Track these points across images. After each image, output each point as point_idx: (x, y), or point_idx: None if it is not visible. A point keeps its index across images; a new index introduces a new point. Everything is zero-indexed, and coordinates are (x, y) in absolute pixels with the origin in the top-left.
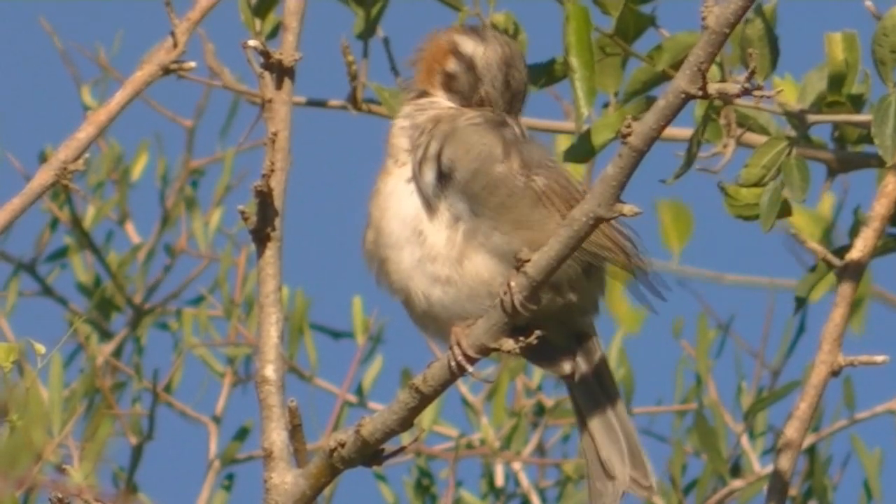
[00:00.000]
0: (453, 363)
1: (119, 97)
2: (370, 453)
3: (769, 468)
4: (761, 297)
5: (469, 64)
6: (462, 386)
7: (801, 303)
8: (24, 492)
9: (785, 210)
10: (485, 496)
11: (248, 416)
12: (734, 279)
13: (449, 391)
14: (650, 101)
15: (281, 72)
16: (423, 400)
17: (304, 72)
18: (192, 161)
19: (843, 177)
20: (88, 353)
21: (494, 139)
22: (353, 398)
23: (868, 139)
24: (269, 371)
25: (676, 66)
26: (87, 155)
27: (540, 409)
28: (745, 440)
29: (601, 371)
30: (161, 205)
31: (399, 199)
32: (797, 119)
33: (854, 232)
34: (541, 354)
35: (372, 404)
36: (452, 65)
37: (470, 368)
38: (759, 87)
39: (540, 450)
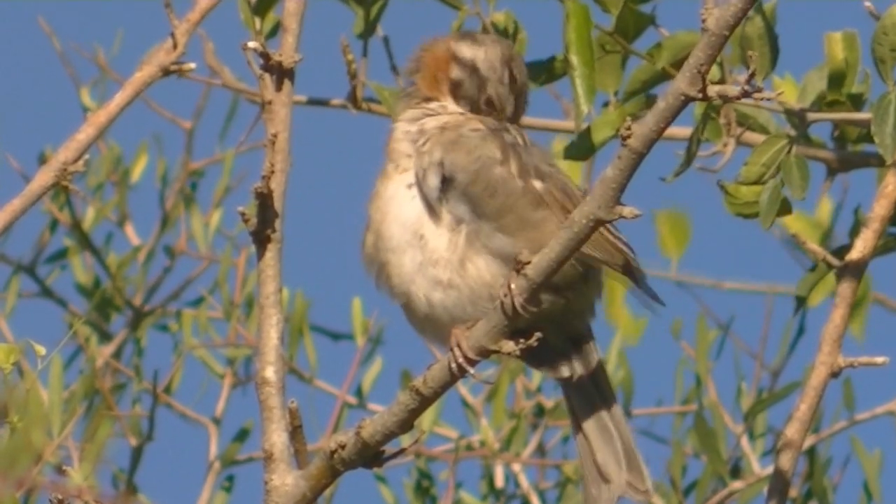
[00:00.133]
0: (453, 365)
1: (119, 98)
2: (370, 455)
3: (769, 469)
4: (761, 299)
5: (472, 68)
6: (462, 387)
7: (800, 303)
8: (24, 493)
9: (784, 208)
10: (485, 498)
11: (249, 418)
12: (733, 286)
13: (449, 393)
14: (650, 100)
15: (281, 73)
16: (424, 401)
17: (304, 71)
18: (192, 162)
19: (842, 176)
20: (88, 355)
21: (494, 144)
22: (353, 400)
23: (868, 138)
24: (270, 372)
25: (676, 64)
26: (86, 156)
27: (540, 411)
28: (744, 441)
29: (597, 374)
30: (161, 206)
31: (399, 203)
32: (797, 118)
33: (854, 232)
34: (537, 357)
35: (372, 406)
36: (456, 72)
37: (470, 370)
38: (760, 89)
39: (540, 451)
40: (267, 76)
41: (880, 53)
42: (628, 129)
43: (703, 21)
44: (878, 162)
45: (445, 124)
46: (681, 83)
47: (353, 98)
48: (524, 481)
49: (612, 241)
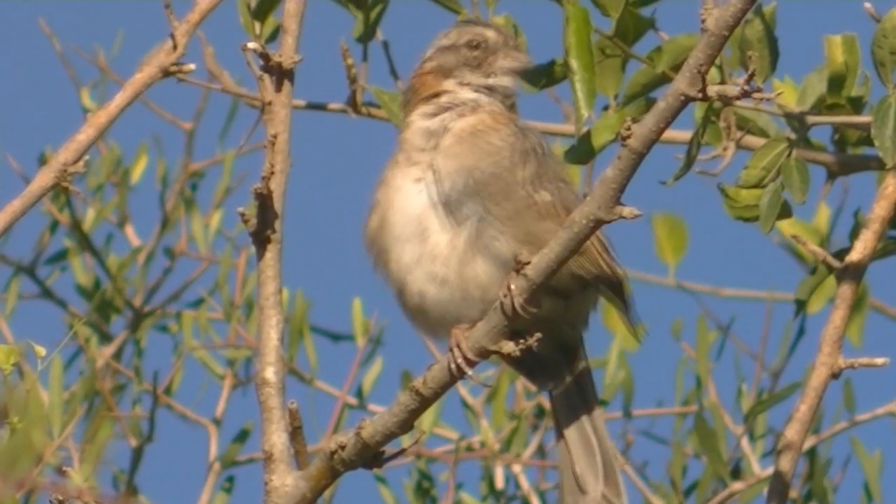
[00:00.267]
0: (453, 366)
1: (119, 99)
2: (370, 455)
3: (769, 470)
4: (761, 301)
5: (482, 40)
6: (462, 388)
7: (800, 305)
8: (24, 494)
9: (784, 212)
10: (485, 498)
11: (249, 419)
12: (732, 293)
13: (449, 393)
14: (650, 103)
15: (280, 74)
16: (424, 402)
17: (304, 75)
18: (192, 163)
19: (842, 179)
20: (88, 356)
21: (517, 148)
22: (353, 400)
23: (868, 141)
24: (270, 373)
25: (676, 67)
26: (86, 157)
27: (540, 412)
28: (745, 442)
29: (584, 385)
30: (161, 207)
31: (407, 195)
32: (797, 121)
33: (854, 234)
34: (527, 365)
35: (372, 406)
36: (434, 61)
37: (469, 372)
38: (759, 90)
39: (540, 452)
40: (266, 77)
41: (880, 56)
42: (628, 129)
43: (703, 21)
44: (879, 165)
45: (472, 126)
46: (680, 83)
47: (352, 102)
48: (524, 482)
49: (609, 262)
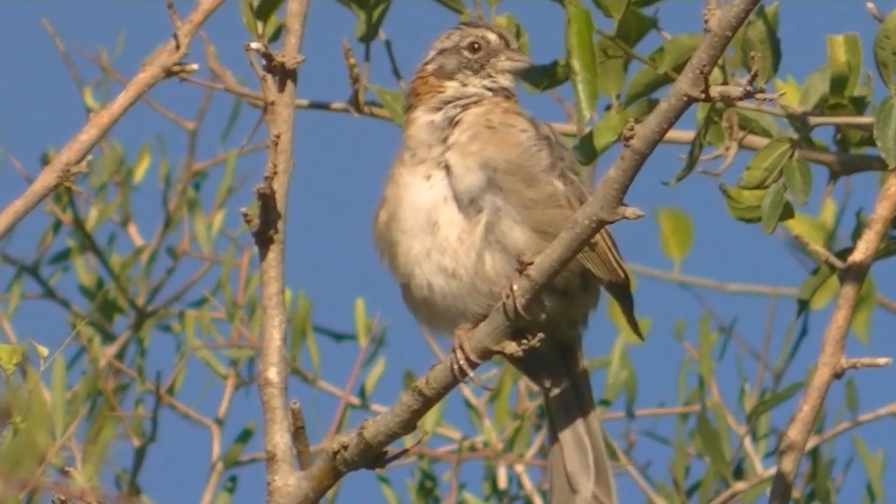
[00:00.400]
0: (455, 367)
1: (121, 99)
2: (373, 456)
3: (772, 470)
4: (764, 300)
5: (483, 42)
6: (465, 388)
7: (803, 305)
8: (27, 494)
9: (787, 212)
10: (488, 499)
11: (251, 419)
12: (737, 288)
13: (452, 393)
14: (652, 104)
15: (283, 74)
16: (426, 402)
17: (307, 74)
18: (195, 163)
19: (845, 179)
20: (91, 356)
21: (534, 135)
22: (355, 400)
23: (870, 141)
24: (272, 373)
25: (678, 68)
26: (89, 157)
27: (543, 412)
28: (747, 442)
29: (580, 385)
30: (164, 207)
31: (416, 192)
32: (799, 121)
33: (856, 234)
34: (525, 363)
35: (375, 406)
36: (434, 63)
37: (471, 373)
38: (762, 90)
39: (543, 452)
40: (269, 77)
41: (882, 57)
42: (631, 129)
43: (706, 22)
44: (881, 165)
45: (485, 116)
46: (683, 84)
47: (355, 102)
48: (527, 482)
49: (618, 260)
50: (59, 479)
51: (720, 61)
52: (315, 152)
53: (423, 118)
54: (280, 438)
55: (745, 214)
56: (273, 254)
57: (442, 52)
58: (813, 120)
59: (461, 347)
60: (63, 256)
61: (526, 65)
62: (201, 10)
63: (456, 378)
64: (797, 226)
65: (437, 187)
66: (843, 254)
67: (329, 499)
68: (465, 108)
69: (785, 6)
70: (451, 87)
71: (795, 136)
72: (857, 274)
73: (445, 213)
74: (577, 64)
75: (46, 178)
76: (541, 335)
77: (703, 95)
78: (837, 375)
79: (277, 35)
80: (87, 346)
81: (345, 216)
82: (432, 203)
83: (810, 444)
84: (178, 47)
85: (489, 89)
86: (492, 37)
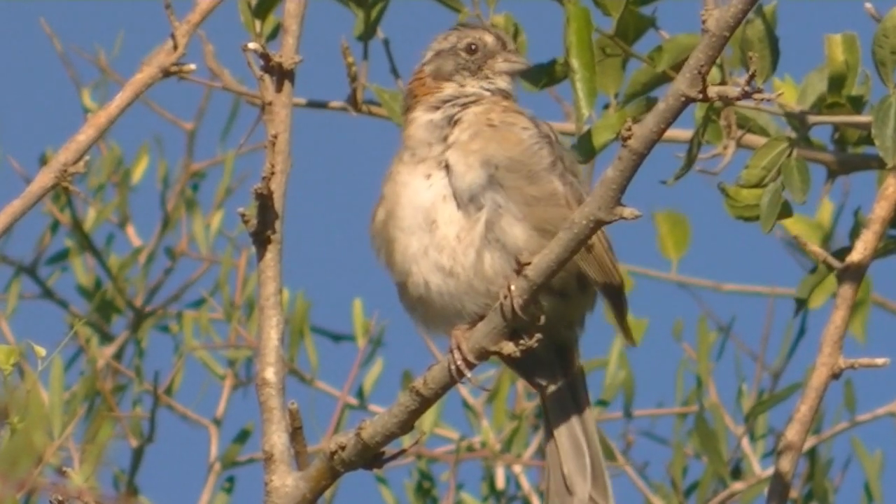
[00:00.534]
0: (453, 367)
1: (119, 99)
2: (371, 456)
3: (770, 470)
4: (761, 301)
5: (480, 44)
6: (463, 389)
7: (801, 305)
8: (25, 494)
9: (785, 212)
10: (485, 499)
11: (249, 419)
12: (734, 288)
13: (450, 394)
14: (650, 102)
15: (281, 74)
16: (424, 402)
17: (305, 73)
18: (193, 163)
19: (843, 178)
20: (89, 356)
21: (536, 133)
22: (353, 401)
23: (868, 141)
24: (270, 374)
25: (677, 67)
26: (87, 157)
27: (540, 412)
28: (745, 443)
29: (577, 386)
30: (162, 207)
31: (415, 190)
32: (797, 120)
33: (854, 234)
34: (521, 364)
35: (372, 407)
36: (431, 65)
37: (468, 374)
38: (760, 90)
39: (541, 452)
40: (267, 77)
41: (881, 56)
42: (629, 129)
43: (704, 22)
44: (879, 164)
45: (485, 115)
46: (681, 84)
47: (353, 100)
48: (525, 483)
49: (613, 263)
50: (57, 480)
51: (718, 60)
52: (313, 152)
53: (423, 117)
54: (278, 439)
55: (743, 213)
56: (271, 254)
57: (439, 53)
58: (811, 119)
59: (459, 348)
60: (61, 257)
61: (523, 66)
62: (199, 10)
63: (453, 378)
64: (795, 225)
65: (436, 186)
66: (841, 253)
67: (327, 499)
68: (464, 106)
69: (783, 5)
70: (450, 88)
71: (793, 135)
72: (855, 274)
73: (444, 212)
74: (575, 62)
75: (44, 179)
76: (538, 335)
77: (700, 96)
78: (835, 375)
79: (275, 35)
80: (85, 346)
81: (343, 216)
82: (431, 201)
83: (808, 444)
84: (175, 47)
85: (487, 90)
86: (489, 38)
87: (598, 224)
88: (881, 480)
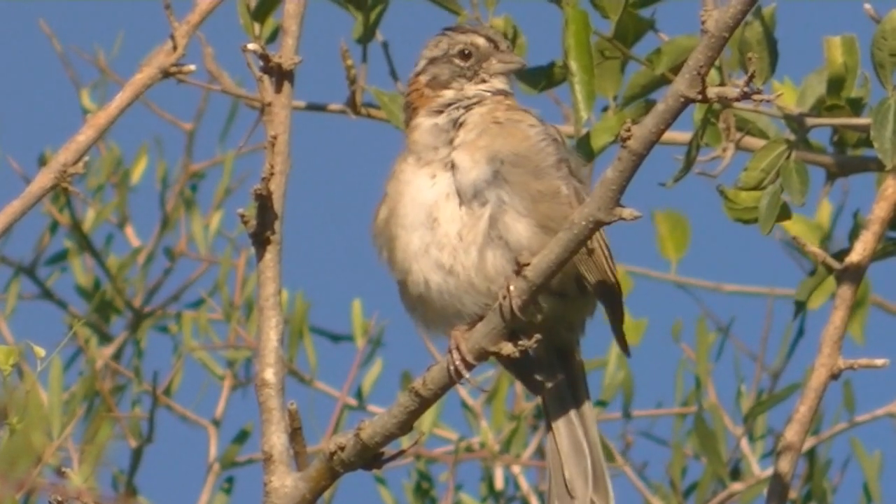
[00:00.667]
0: (452, 368)
1: (118, 100)
2: (370, 457)
3: (769, 471)
4: (761, 301)
5: (473, 49)
6: (462, 389)
7: (800, 306)
8: (24, 494)
9: (784, 213)
10: (484, 499)
11: (248, 420)
12: (734, 289)
13: (449, 394)
14: (649, 105)
15: (280, 75)
16: (423, 403)
17: (304, 75)
18: (192, 164)
19: (842, 180)
20: (88, 356)
21: (542, 131)
22: (352, 401)
23: (867, 143)
24: (269, 374)
25: (675, 69)
26: (86, 158)
27: (539, 413)
28: (744, 443)
29: (578, 390)
30: (161, 208)
31: (418, 188)
32: (796, 123)
33: (853, 235)
34: (521, 367)
35: (372, 407)
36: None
37: (466, 374)
38: (759, 91)
39: (540, 453)
40: (266, 78)
41: (880, 58)
42: (628, 130)
43: (703, 23)
44: (878, 166)
45: (493, 116)
46: (680, 85)
47: (352, 103)
48: (524, 483)
49: (612, 267)
50: (56, 480)
51: (717, 63)
52: (312, 153)
53: (427, 122)
54: (277, 439)
55: (742, 215)
56: (270, 255)
57: (432, 61)
58: (810, 121)
59: (458, 349)
60: (60, 257)
61: (518, 65)
62: (198, 11)
63: (452, 379)
64: (794, 227)
65: (440, 184)
66: (840, 255)
67: (326, 500)
68: (467, 108)
69: (782, 7)
70: (450, 92)
71: (792, 137)
72: (853, 275)
73: (446, 209)
74: (574, 65)
75: (44, 179)
76: (537, 336)
77: (699, 97)
78: (834, 376)
79: (274, 36)
80: (84, 346)
81: (342, 217)
82: (434, 199)
83: (807, 444)
84: (175, 48)
85: (487, 92)
86: (480, 41)
87: (598, 224)
88: (880, 481)
